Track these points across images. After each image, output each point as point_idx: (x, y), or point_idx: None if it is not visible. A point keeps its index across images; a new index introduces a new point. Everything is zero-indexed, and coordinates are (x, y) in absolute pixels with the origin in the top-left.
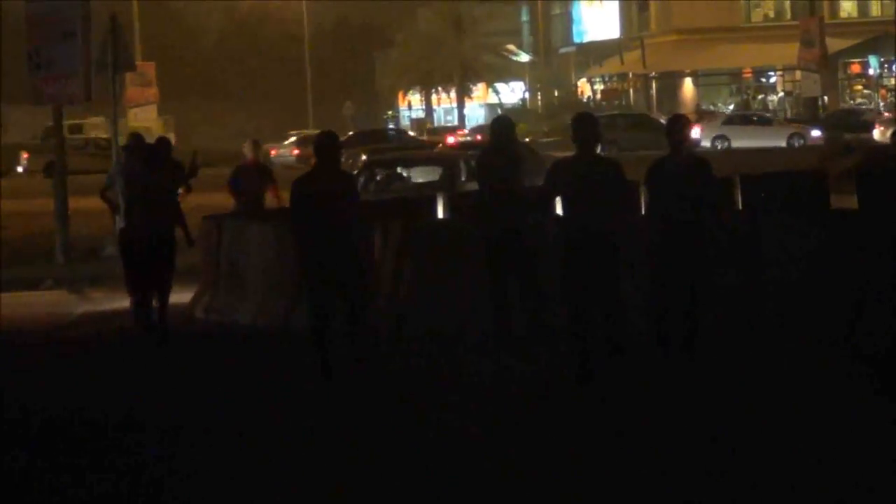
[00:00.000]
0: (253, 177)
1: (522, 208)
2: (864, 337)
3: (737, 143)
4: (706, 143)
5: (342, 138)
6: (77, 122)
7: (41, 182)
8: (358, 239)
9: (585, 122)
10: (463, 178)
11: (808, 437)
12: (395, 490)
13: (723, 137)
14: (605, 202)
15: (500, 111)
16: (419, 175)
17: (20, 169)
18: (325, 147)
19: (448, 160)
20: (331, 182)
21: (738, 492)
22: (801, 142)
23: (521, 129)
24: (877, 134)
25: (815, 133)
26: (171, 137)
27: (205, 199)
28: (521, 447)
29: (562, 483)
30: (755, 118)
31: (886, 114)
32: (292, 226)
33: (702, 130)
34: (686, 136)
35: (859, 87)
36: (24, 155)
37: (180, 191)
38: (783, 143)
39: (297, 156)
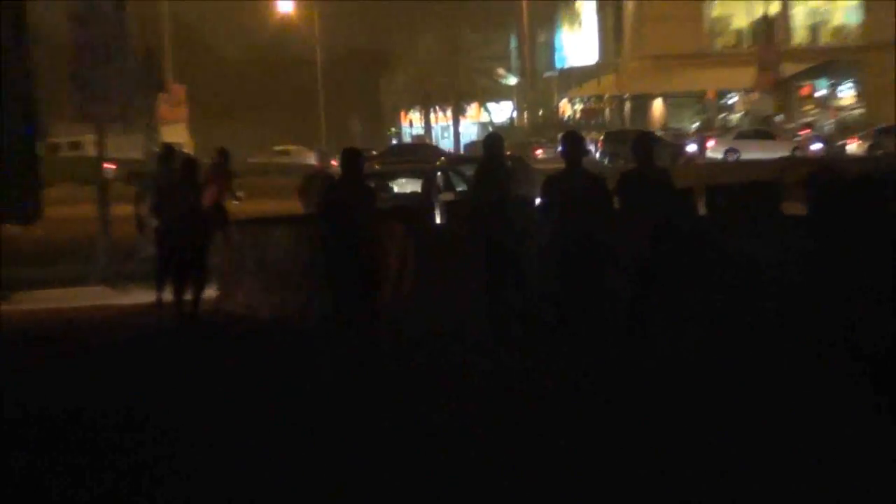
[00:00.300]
0: (320, 183)
1: (513, 214)
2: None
3: (746, 156)
4: (718, 156)
5: (376, 152)
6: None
7: (124, 188)
8: (374, 242)
9: (573, 141)
10: (440, 189)
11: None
12: (396, 483)
13: (733, 150)
14: (591, 210)
15: (490, 128)
16: (402, 186)
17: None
18: (349, 161)
19: (427, 173)
20: (352, 191)
21: (724, 484)
22: (803, 153)
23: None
24: (853, 147)
25: (816, 146)
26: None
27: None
28: (518, 438)
29: (554, 474)
30: (761, 133)
31: (805, 130)
32: (320, 228)
33: (715, 144)
34: (651, 153)
35: (809, 108)
36: (112, 165)
37: (239, 195)
38: (668, 159)
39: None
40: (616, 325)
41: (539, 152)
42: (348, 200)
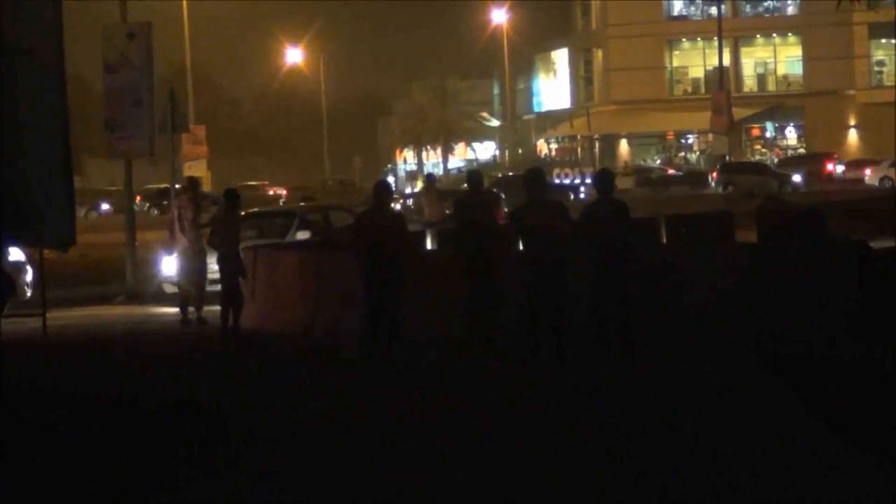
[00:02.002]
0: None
1: (491, 238)
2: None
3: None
4: (875, 183)
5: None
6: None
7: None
8: (403, 263)
9: (533, 176)
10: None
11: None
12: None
13: (888, 178)
14: (554, 233)
15: (475, 165)
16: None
17: (281, 202)
18: (380, 191)
19: (286, 216)
20: (383, 218)
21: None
22: (788, 187)
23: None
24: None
25: (796, 178)
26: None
27: None
28: (490, 421)
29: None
30: (750, 167)
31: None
32: (355, 251)
33: (715, 178)
34: (612, 187)
35: (758, 147)
36: (284, 191)
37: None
38: (775, 187)
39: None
40: (579, 338)
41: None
42: (380, 227)
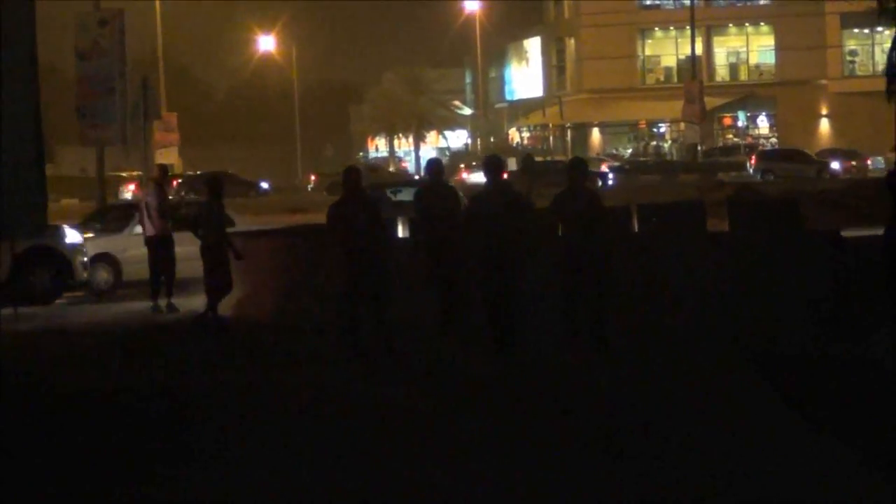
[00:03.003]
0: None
1: (455, 227)
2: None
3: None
4: (758, 177)
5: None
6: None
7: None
8: (382, 247)
9: (491, 164)
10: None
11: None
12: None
13: (764, 171)
14: (511, 221)
15: (448, 154)
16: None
17: (309, 187)
18: (350, 179)
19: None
20: (356, 206)
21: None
22: (826, 174)
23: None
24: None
25: (835, 165)
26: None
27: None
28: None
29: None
30: (789, 154)
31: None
32: (329, 239)
33: (753, 165)
34: (584, 176)
35: (730, 136)
36: (313, 177)
37: None
38: (813, 175)
39: None
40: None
41: (466, 175)
42: (353, 216)
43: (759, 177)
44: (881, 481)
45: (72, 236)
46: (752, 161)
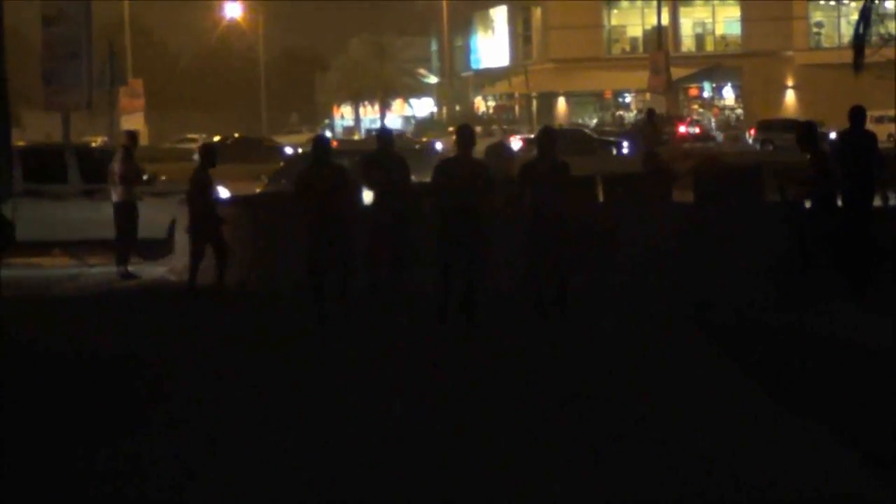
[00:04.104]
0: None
1: (407, 198)
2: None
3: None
4: (757, 147)
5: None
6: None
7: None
8: (348, 217)
9: (463, 132)
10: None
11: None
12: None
13: (763, 141)
14: (473, 188)
15: (413, 122)
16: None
17: None
18: (320, 147)
19: None
20: (324, 172)
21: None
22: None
23: (429, 134)
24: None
25: (833, 136)
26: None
27: None
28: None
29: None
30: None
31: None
32: (296, 207)
33: (753, 135)
34: (553, 145)
35: (696, 107)
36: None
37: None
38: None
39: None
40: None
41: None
42: (322, 182)
43: (758, 146)
44: (804, 428)
45: None
46: (752, 132)
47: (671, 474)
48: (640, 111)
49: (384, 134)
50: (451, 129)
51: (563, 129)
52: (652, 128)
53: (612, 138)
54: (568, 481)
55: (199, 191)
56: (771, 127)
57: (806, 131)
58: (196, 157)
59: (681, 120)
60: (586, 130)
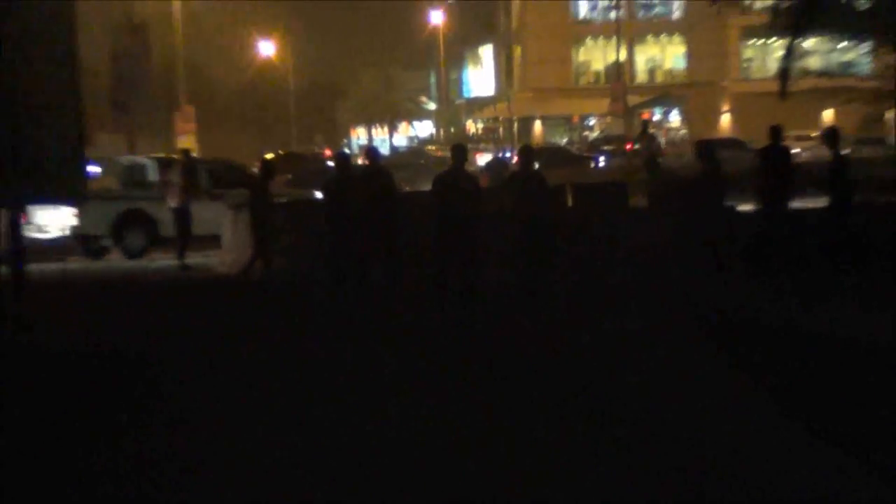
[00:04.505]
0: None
1: (392, 213)
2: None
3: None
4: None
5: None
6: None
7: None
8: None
9: (457, 150)
10: None
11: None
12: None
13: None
14: (468, 198)
15: (416, 142)
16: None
17: None
18: (342, 161)
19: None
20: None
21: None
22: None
23: (430, 150)
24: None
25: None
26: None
27: None
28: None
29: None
30: (727, 143)
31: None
32: (326, 212)
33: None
34: (531, 159)
35: (650, 129)
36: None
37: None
38: (748, 160)
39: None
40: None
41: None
42: (356, 189)
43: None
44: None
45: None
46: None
47: (660, 467)
48: (602, 131)
49: (371, 152)
50: (433, 147)
51: (555, 146)
52: (647, 138)
53: (587, 154)
54: (561, 481)
55: (260, 198)
56: (716, 144)
57: (830, 133)
58: (257, 170)
59: (629, 140)
60: (569, 148)
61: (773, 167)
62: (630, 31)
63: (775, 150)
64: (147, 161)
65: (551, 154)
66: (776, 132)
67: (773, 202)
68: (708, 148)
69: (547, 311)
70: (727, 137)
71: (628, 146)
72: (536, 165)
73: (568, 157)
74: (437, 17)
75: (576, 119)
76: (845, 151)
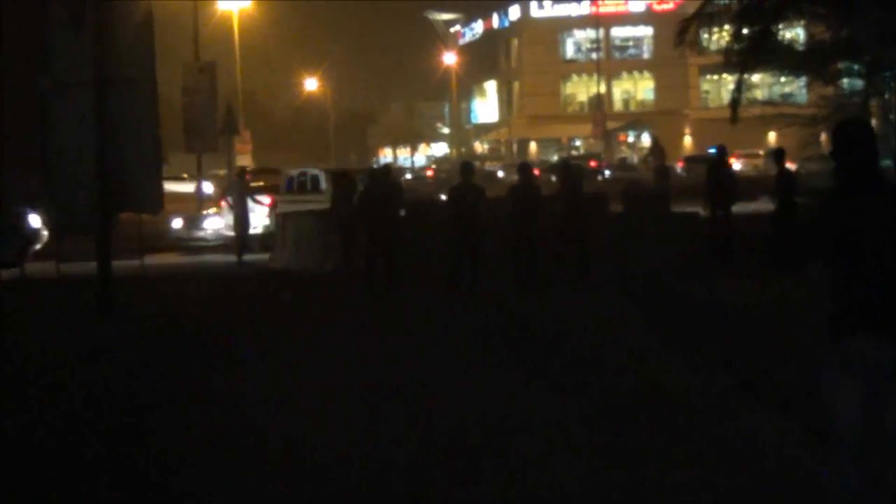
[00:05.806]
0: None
1: (395, 223)
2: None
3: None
4: (684, 174)
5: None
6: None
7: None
8: (397, 224)
9: (465, 167)
10: None
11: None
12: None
13: (688, 172)
14: (475, 206)
15: (433, 159)
16: None
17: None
18: (378, 174)
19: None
20: (380, 190)
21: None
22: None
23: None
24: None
25: (737, 166)
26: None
27: None
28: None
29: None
30: (704, 160)
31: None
32: (360, 214)
33: (682, 167)
34: (531, 175)
35: (624, 149)
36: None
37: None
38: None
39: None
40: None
41: (430, 173)
42: (377, 197)
43: (685, 174)
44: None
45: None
46: (681, 164)
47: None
48: (586, 150)
49: (378, 170)
50: (433, 165)
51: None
52: (658, 151)
53: (598, 168)
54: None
55: (345, 202)
56: (694, 160)
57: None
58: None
59: (598, 159)
60: (580, 163)
61: (717, 180)
62: (608, 68)
63: (721, 167)
64: (318, 172)
65: (564, 168)
66: (721, 151)
67: (720, 208)
68: (568, 168)
69: (534, 295)
70: (705, 155)
71: (592, 163)
72: (553, 178)
73: (580, 171)
74: (450, 59)
75: (564, 140)
76: (791, 166)
